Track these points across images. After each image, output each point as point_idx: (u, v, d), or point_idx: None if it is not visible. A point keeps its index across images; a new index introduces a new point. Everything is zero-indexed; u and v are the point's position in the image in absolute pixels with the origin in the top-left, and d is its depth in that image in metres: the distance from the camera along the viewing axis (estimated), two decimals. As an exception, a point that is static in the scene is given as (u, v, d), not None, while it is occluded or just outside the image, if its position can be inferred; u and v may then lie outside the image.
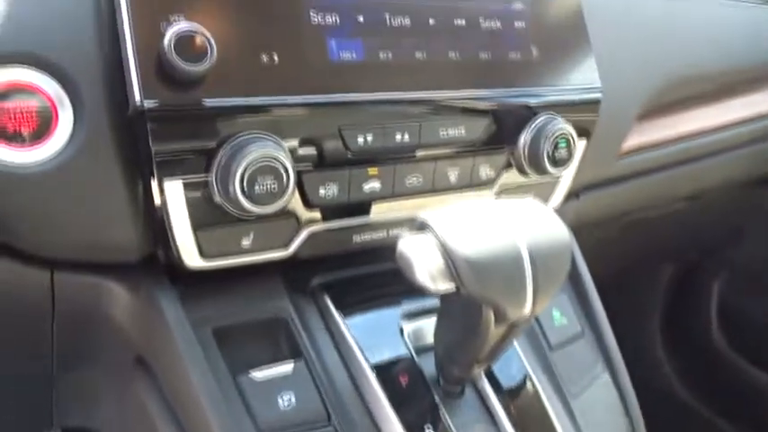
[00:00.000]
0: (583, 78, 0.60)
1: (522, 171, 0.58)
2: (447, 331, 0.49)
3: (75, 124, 0.41)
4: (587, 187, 0.71)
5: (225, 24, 0.43)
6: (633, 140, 0.73)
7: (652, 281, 1.37)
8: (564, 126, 0.56)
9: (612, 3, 0.68)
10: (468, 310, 0.44)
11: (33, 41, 0.39)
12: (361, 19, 0.48)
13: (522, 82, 0.56)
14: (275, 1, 0.45)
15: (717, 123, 0.81)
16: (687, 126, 0.78)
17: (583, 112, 0.61)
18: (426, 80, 0.50)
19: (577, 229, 0.72)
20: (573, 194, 0.70)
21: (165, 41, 0.39)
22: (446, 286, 0.42)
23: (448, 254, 0.41)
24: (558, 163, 0.57)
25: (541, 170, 0.57)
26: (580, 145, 0.60)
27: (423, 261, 0.41)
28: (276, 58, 0.44)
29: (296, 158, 0.45)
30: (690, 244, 1.27)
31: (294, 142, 0.45)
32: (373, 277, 0.56)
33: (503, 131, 0.56)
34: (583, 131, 0.61)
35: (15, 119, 0.39)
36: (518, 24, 0.56)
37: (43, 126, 0.40)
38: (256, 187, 0.42)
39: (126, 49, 0.40)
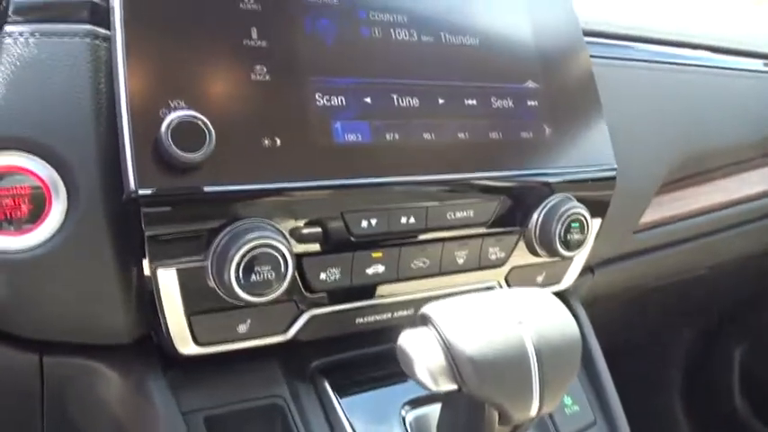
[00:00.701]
0: (597, 157, 0.58)
1: (533, 252, 0.56)
2: (450, 428, 0.46)
3: (68, 209, 0.40)
4: (602, 263, 0.69)
5: (227, 109, 0.42)
6: (650, 215, 0.71)
7: (672, 346, 1.33)
8: (577, 208, 0.54)
9: (626, 78, 0.67)
10: (471, 409, 0.42)
11: (29, 126, 0.39)
12: (368, 100, 0.47)
13: (534, 162, 0.54)
14: (280, 85, 0.44)
15: (735, 197, 0.78)
16: (705, 200, 0.76)
17: (598, 190, 0.59)
18: (434, 162, 0.49)
19: (592, 300, 0.70)
20: (587, 270, 0.68)
21: (163, 129, 0.38)
22: (448, 386, 0.39)
23: (449, 351, 0.39)
24: (570, 245, 0.54)
25: (553, 252, 0.55)
26: (595, 224, 0.58)
27: (423, 358, 0.39)
28: (278, 141, 0.43)
29: (296, 242, 0.44)
30: (710, 309, 1.24)
31: (294, 227, 0.44)
32: (375, 359, 0.54)
33: (513, 213, 0.54)
34: (598, 209, 0.59)
35: (8, 204, 0.38)
36: (530, 103, 0.55)
37: (36, 211, 0.39)
38: (253, 276, 0.41)
39: (123, 135, 0.39)
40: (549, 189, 0.55)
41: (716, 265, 0.89)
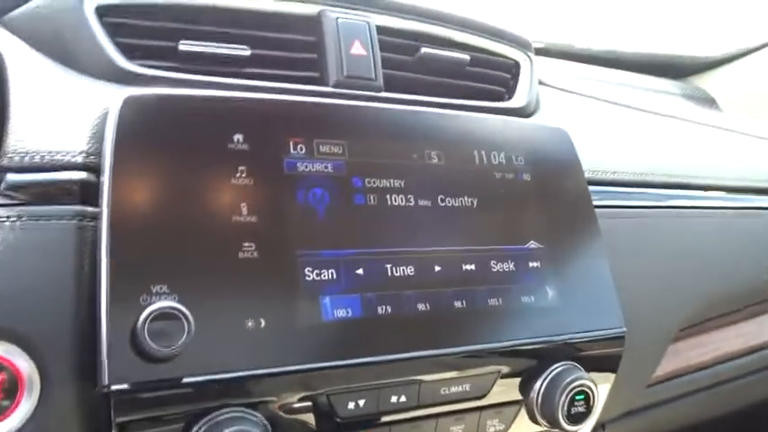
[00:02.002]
0: (604, 319, 0.55)
1: (534, 421, 0.53)
2: None
3: (40, 399, 0.38)
4: (613, 419, 0.65)
5: (211, 291, 0.40)
6: (665, 366, 0.67)
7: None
8: (583, 379, 0.51)
9: (635, 228, 0.65)
10: None
11: (11, 315, 0.38)
12: (360, 272, 0.46)
13: (536, 328, 0.52)
14: (268, 262, 0.43)
15: (756, 343, 0.75)
16: (724, 346, 0.72)
17: (605, 349, 0.56)
18: (428, 336, 0.47)
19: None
20: (598, 426, 0.64)
21: (140, 322, 0.37)
22: None
23: None
24: (574, 419, 0.51)
25: (557, 425, 0.51)
26: (602, 393, 0.55)
27: None
28: (263, 322, 0.41)
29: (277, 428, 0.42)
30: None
31: (275, 413, 0.42)
32: None
33: (513, 383, 0.51)
34: (607, 367, 0.56)
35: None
36: (533, 265, 0.53)
37: (7, 400, 0.37)
38: (228, 471, 0.38)
39: (100, 326, 0.37)
40: (553, 356, 0.52)
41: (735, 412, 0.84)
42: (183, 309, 0.38)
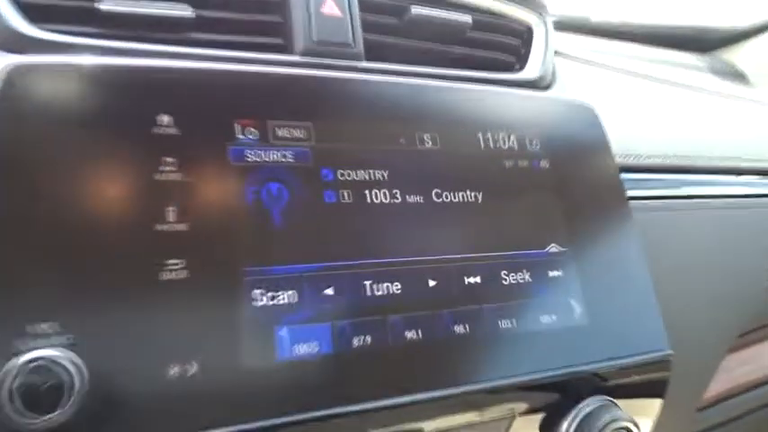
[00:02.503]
0: (645, 340, 0.44)
1: (561, 470, 0.42)
2: None
3: None
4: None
5: (118, 330, 0.30)
6: (716, 386, 0.56)
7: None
8: (620, 419, 0.40)
9: (671, 225, 0.54)
10: None
11: None
12: (329, 292, 0.35)
13: (560, 356, 0.41)
14: (202, 284, 0.32)
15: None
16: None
17: (648, 375, 0.45)
18: (421, 375, 0.36)
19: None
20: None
21: (7, 379, 0.26)
22: None
23: None
24: (612, 470, 0.40)
25: (589, 476, 0.40)
26: (645, 428, 0.44)
27: None
28: (194, 367, 0.31)
29: None
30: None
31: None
32: None
33: (532, 429, 0.40)
34: (652, 393, 0.46)
35: None
36: (553, 274, 0.42)
37: None
38: None
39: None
40: (582, 391, 0.41)
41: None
42: (74, 357, 0.27)
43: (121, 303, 0.30)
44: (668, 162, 0.55)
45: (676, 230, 0.53)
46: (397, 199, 0.39)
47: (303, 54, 0.43)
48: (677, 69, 1.04)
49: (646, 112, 0.61)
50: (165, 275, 0.31)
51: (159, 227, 0.32)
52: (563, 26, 1.01)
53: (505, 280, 0.40)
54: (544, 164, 0.45)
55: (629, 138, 0.54)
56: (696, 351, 0.50)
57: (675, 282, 0.50)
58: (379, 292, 0.36)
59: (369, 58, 0.45)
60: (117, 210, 0.31)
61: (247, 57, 0.41)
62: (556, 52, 0.61)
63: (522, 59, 0.54)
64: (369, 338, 0.35)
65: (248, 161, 0.35)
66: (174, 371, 0.30)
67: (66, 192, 0.31)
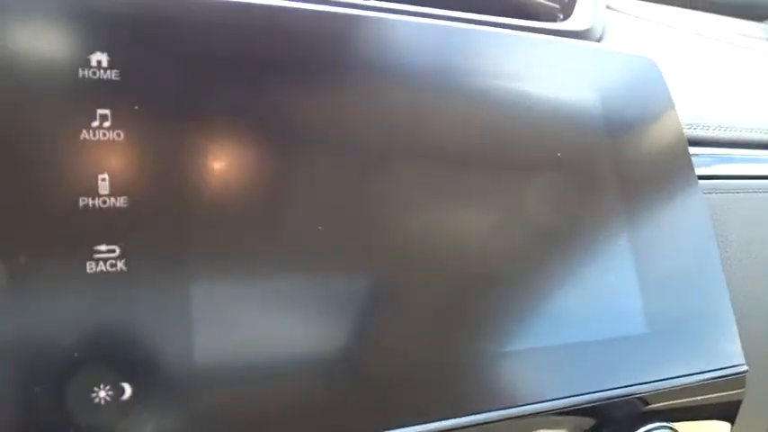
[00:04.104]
0: (716, 353, 0.36)
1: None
2: None
3: None
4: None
5: (23, 341, 0.22)
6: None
7: None
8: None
9: (748, 210, 0.44)
10: None
11: None
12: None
13: (613, 373, 0.32)
14: (144, 275, 0.24)
15: None
16: None
17: (718, 393, 0.37)
18: (437, 400, 0.28)
19: None
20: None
21: None
22: None
23: None
24: None
25: None
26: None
27: None
28: (126, 390, 0.23)
29: None
30: None
31: None
32: None
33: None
34: (721, 416, 0.37)
35: None
36: (605, 271, 0.33)
37: None
38: None
39: None
40: (640, 415, 0.33)
41: None
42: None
43: (33, 304, 0.22)
44: (746, 135, 0.46)
45: (755, 216, 0.43)
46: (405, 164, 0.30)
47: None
48: (735, 37, 0.93)
49: (713, 76, 0.52)
50: (94, 267, 0.23)
51: (87, 201, 0.24)
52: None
53: (545, 277, 0.32)
54: (600, 128, 0.36)
55: (695, 104, 0.45)
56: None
57: (753, 282, 0.41)
58: (383, 296, 0.28)
59: (379, -2, 0.37)
60: (34, 179, 0.23)
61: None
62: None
63: (566, 7, 0.45)
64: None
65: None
66: (101, 395, 0.22)
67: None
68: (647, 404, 0.34)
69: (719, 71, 0.54)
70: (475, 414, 0.28)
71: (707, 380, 0.35)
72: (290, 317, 0.26)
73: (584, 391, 0.31)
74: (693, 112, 0.44)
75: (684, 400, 0.35)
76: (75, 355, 0.22)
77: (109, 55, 0.25)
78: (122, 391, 0.23)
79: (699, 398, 0.36)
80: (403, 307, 0.28)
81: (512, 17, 0.41)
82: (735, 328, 0.36)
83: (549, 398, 0.30)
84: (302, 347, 0.26)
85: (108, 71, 0.25)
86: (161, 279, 0.24)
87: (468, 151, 0.32)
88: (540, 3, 0.43)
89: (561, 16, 0.44)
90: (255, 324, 0.25)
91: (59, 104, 0.24)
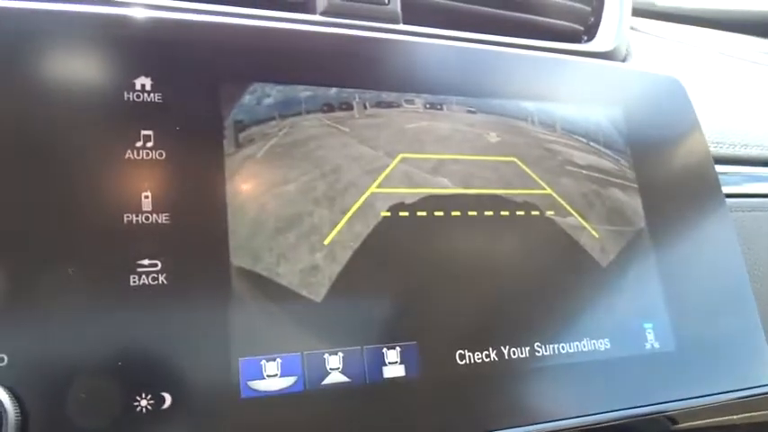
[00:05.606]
0: (746, 370, 0.35)
1: None
2: None
3: None
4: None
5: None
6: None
7: None
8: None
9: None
10: None
11: None
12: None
13: (640, 390, 0.32)
14: (186, 289, 0.25)
15: None
16: None
17: (749, 413, 0.37)
18: (455, 417, 0.28)
19: None
20: None
21: None
22: None
23: None
24: None
25: None
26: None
27: None
28: (167, 399, 0.24)
29: None
30: None
31: None
32: None
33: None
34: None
35: None
36: (631, 287, 0.34)
37: None
38: None
39: None
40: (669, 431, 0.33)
41: None
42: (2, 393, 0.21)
43: (76, 315, 0.23)
44: (768, 153, 0.46)
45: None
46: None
47: (325, 13, 0.35)
48: (760, 55, 0.93)
49: (738, 94, 0.52)
50: (137, 280, 0.24)
51: (131, 217, 0.25)
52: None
53: (569, 293, 0.32)
54: (626, 149, 0.36)
55: (720, 122, 0.45)
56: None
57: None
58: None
59: (407, 22, 0.38)
60: (78, 197, 0.24)
61: (258, 14, 0.34)
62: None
63: (590, 29, 0.45)
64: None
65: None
66: (142, 404, 0.23)
67: (11, 175, 0.24)
68: (676, 423, 0.34)
69: (744, 89, 0.54)
70: (503, 429, 0.28)
71: (736, 398, 0.35)
72: (323, 334, 0.27)
73: (612, 408, 0.31)
74: (719, 131, 0.44)
75: (714, 419, 0.35)
76: (119, 364, 0.23)
77: (152, 79, 0.27)
78: (163, 400, 0.23)
79: (728, 417, 0.36)
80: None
81: (531, 38, 0.42)
82: (766, 348, 0.36)
83: (577, 414, 0.30)
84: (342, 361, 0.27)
85: (151, 94, 0.26)
86: (200, 293, 0.25)
87: (497, 173, 0.32)
88: (564, 24, 0.44)
89: (585, 38, 0.45)
90: (289, 336, 0.26)
91: (106, 126, 0.25)
